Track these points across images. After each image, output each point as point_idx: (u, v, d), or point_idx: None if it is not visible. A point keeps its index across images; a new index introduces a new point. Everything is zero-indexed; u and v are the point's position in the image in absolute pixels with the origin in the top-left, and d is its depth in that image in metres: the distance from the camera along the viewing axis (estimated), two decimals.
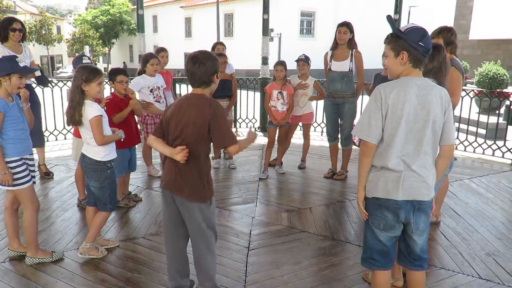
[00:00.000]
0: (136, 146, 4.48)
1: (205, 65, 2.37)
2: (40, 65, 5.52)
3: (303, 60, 5.37)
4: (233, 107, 5.88)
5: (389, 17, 2.22)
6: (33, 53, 5.34)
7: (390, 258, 2.36)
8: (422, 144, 2.15)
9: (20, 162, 3.01)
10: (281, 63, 5.28)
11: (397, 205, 2.19)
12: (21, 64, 2.92)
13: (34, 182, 3.19)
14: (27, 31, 33.75)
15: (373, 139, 2.16)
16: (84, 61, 4.05)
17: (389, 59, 2.19)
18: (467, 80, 17.23)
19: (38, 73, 5.09)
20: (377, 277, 2.39)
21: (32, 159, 3.18)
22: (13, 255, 3.26)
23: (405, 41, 2.09)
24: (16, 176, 2.97)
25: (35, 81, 5.33)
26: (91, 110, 3.03)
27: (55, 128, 6.95)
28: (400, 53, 2.12)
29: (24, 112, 3.09)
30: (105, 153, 3.16)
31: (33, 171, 3.18)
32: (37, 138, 4.79)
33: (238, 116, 8.23)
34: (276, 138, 5.51)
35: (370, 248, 2.35)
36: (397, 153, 2.14)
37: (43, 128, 5.91)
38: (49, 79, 5.40)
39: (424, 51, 2.10)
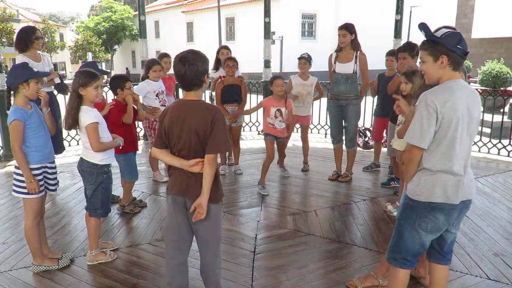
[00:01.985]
0: (140, 151, 4.49)
1: (195, 66, 2.26)
2: (59, 73, 5.58)
3: (305, 59, 5.39)
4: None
5: (422, 25, 2.26)
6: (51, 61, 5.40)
7: (418, 257, 2.44)
8: (471, 145, 2.27)
9: (39, 171, 3.02)
10: (280, 77, 4.88)
11: (453, 207, 2.24)
12: (34, 69, 2.96)
13: (55, 190, 3.25)
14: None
15: (425, 145, 2.20)
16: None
17: (427, 64, 2.25)
18: (470, 79, 17.17)
19: (57, 80, 5.15)
20: (402, 275, 2.42)
21: (54, 167, 3.20)
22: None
23: (443, 45, 2.16)
24: None
25: (55, 89, 5.36)
26: (87, 116, 3.04)
27: None
28: (439, 57, 2.18)
29: (45, 117, 3.12)
30: (103, 157, 3.17)
31: (54, 179, 3.20)
32: (56, 145, 4.82)
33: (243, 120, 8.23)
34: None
35: (406, 249, 2.36)
36: (458, 156, 2.19)
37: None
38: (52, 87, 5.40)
39: (463, 54, 2.17)
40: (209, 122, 2.27)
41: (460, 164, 2.20)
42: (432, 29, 2.24)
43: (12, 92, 2.97)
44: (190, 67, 2.25)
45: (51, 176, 3.16)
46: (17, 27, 26.80)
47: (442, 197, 2.21)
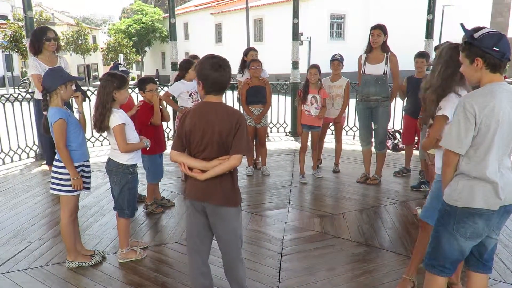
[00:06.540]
0: (169, 151, 4.56)
1: (227, 72, 2.35)
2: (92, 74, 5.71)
3: (338, 60, 5.38)
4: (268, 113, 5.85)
5: (462, 25, 2.20)
6: (69, 62, 5.45)
7: (457, 264, 2.37)
8: None
9: (78, 169, 3.13)
10: (315, 66, 5.22)
11: (492, 212, 2.16)
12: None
13: (89, 189, 3.34)
14: (65, 41, 34.75)
15: (463, 150, 2.14)
16: (120, 69, 4.16)
17: (464, 66, 2.19)
18: (506, 79, 16.61)
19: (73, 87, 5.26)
20: (439, 282, 2.37)
21: (89, 165, 3.30)
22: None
23: (478, 47, 2.08)
24: (69, 183, 3.09)
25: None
26: (114, 118, 3.12)
27: (92, 135, 7.17)
28: (474, 59, 2.11)
29: (79, 116, 3.24)
30: (129, 157, 3.24)
31: (89, 177, 3.30)
32: None
33: (269, 121, 8.24)
34: (309, 143, 5.49)
35: (444, 256, 2.30)
36: (495, 162, 2.11)
37: None
38: (86, 87, 5.54)
39: (500, 56, 2.06)
40: (234, 125, 2.31)
41: (496, 171, 2.11)
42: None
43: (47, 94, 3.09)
44: (224, 72, 2.33)
45: (86, 175, 3.25)
46: None
47: (481, 203, 2.13)
